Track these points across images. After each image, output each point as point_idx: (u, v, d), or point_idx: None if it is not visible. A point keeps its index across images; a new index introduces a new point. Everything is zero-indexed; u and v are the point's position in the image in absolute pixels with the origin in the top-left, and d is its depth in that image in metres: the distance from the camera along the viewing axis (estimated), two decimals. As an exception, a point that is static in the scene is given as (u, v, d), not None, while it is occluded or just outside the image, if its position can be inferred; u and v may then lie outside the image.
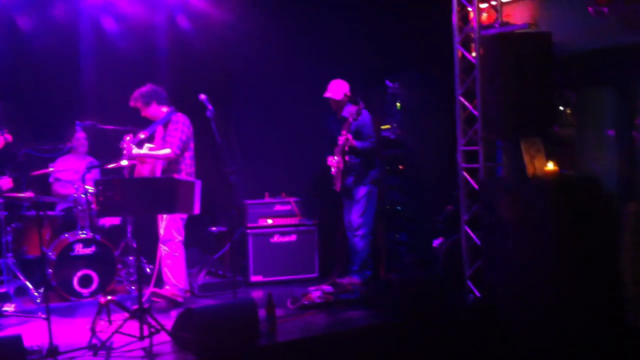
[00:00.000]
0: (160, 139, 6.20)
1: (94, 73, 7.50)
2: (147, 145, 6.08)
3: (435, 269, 6.44)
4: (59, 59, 7.27)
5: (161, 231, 6.13)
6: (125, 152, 5.91)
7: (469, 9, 6.22)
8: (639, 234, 3.74)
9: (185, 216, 6.13)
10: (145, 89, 6.22)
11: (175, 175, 6.03)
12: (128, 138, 5.91)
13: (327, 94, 6.84)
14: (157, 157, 6.06)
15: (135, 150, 5.95)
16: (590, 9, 5.40)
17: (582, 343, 5.07)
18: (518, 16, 6.37)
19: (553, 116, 5.83)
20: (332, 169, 6.93)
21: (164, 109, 6.24)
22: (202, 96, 5.88)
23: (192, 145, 6.24)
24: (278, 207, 7.25)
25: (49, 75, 7.24)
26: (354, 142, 6.64)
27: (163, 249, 6.12)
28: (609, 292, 4.99)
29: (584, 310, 5.14)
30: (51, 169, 6.91)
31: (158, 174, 6.06)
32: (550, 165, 5.50)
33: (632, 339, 3.82)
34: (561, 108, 6.44)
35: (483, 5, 6.20)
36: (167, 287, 6.14)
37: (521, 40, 5.63)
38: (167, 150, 6.06)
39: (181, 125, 6.16)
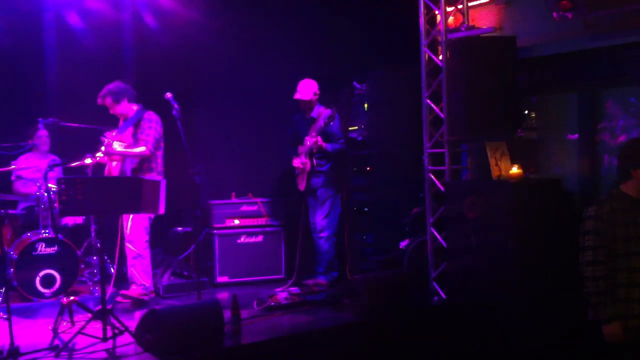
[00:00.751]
0: (131, 136, 6.13)
1: (58, 70, 7.38)
2: (116, 142, 6.02)
3: (401, 269, 6.47)
4: (21, 55, 7.14)
5: (127, 230, 6.07)
6: (105, 147, 5.86)
7: (436, 12, 6.27)
8: (599, 236, 3.80)
9: (152, 216, 6.08)
10: (113, 86, 6.16)
11: (146, 175, 5.98)
12: (114, 133, 5.86)
13: (297, 95, 6.83)
14: (133, 155, 6.03)
15: (116, 147, 5.92)
16: (554, 14, 5.49)
17: (547, 339, 5.16)
18: (484, 20, 6.44)
19: (518, 119, 5.91)
20: (296, 169, 6.93)
21: (134, 107, 6.19)
22: (168, 95, 5.83)
23: (162, 144, 6.22)
24: (245, 208, 7.22)
25: (11, 71, 7.10)
26: (324, 145, 6.64)
27: (129, 248, 6.06)
28: (571, 289, 5.11)
29: (548, 308, 5.24)
30: (13, 167, 6.79)
31: (128, 172, 6.00)
32: (515, 169, 5.57)
33: (592, 334, 3.92)
34: (526, 112, 6.53)
35: (450, 9, 6.26)
36: (133, 286, 6.08)
37: (487, 44, 5.71)
38: (142, 148, 6.03)
39: (154, 123, 6.14)
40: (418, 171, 6.60)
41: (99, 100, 6.15)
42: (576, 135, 6.05)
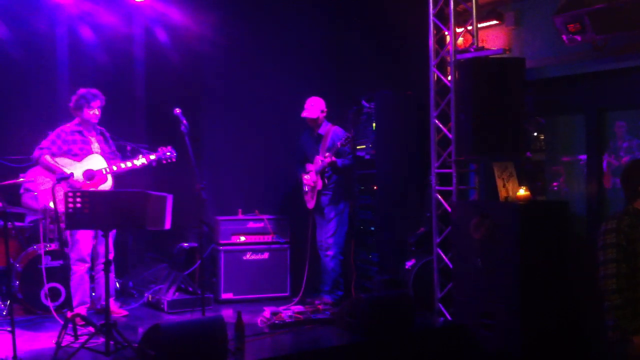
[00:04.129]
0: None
1: (69, 84, 7.41)
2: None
3: (407, 290, 6.44)
4: (34, 68, 7.21)
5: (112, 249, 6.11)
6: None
7: (446, 33, 6.29)
8: (621, 249, 3.79)
9: None
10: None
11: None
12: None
13: (304, 114, 6.85)
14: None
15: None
16: (564, 37, 5.49)
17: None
18: (493, 41, 6.47)
19: (526, 141, 5.90)
20: (305, 187, 6.93)
21: None
22: (177, 110, 5.87)
23: None
24: (251, 224, 7.21)
25: (23, 83, 7.16)
26: (337, 160, 6.64)
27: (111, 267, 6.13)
28: (578, 313, 5.10)
29: (553, 331, 5.21)
30: (21, 180, 6.81)
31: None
32: (522, 191, 5.55)
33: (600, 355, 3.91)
34: (535, 134, 6.52)
35: (459, 30, 6.28)
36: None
37: (495, 65, 5.71)
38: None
39: None
40: (425, 191, 6.59)
41: (102, 106, 6.19)
42: (584, 157, 6.03)
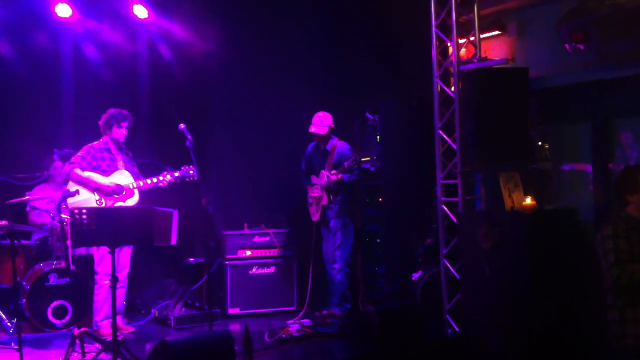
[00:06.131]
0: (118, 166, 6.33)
1: (74, 101, 7.47)
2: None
3: (414, 301, 6.41)
4: (38, 86, 7.24)
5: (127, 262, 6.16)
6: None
7: (448, 44, 6.29)
8: (621, 252, 3.83)
9: None
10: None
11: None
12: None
13: (312, 129, 6.84)
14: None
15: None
16: (567, 45, 5.49)
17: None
18: (496, 51, 6.46)
19: (531, 150, 5.89)
20: (310, 200, 6.93)
21: None
22: (182, 126, 5.89)
23: None
24: (257, 239, 7.21)
25: (28, 102, 7.19)
26: (343, 177, 6.64)
27: (125, 283, 6.24)
28: (587, 319, 5.07)
29: (562, 338, 5.17)
30: (27, 198, 6.83)
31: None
32: (528, 200, 5.52)
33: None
34: (540, 143, 6.50)
35: (462, 41, 6.27)
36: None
37: (499, 75, 5.71)
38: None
39: None
40: (431, 202, 6.58)
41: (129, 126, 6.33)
42: (589, 166, 6.01)
